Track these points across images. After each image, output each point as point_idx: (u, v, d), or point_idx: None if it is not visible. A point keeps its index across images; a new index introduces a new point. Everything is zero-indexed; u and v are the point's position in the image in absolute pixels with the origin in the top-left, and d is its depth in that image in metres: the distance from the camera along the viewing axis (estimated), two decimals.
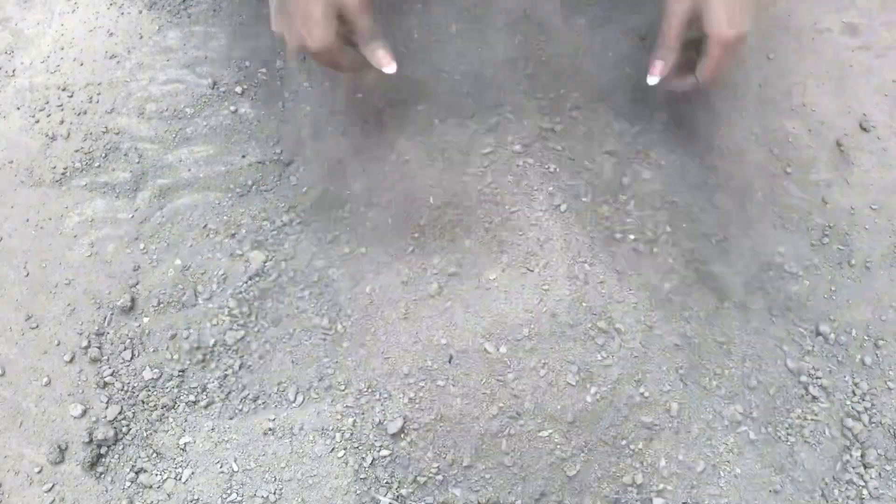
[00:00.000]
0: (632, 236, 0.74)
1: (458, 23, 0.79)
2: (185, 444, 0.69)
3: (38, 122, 0.82)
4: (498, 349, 0.69)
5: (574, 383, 0.67)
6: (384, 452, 0.68)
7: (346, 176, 0.78)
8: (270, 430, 0.69)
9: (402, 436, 0.69)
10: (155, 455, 0.68)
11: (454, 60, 0.79)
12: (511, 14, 0.80)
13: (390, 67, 0.67)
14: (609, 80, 0.79)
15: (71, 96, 0.83)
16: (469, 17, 0.80)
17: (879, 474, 0.68)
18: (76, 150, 0.80)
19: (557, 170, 0.74)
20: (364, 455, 0.69)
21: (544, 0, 0.80)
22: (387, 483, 0.68)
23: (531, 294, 0.69)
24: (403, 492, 0.68)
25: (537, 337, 0.68)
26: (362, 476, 0.68)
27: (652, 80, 0.69)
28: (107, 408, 0.69)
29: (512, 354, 0.68)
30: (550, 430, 0.67)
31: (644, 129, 0.77)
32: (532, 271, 0.70)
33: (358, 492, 0.67)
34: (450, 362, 0.69)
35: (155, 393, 0.70)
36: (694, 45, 0.67)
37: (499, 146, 0.76)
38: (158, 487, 0.67)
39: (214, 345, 0.72)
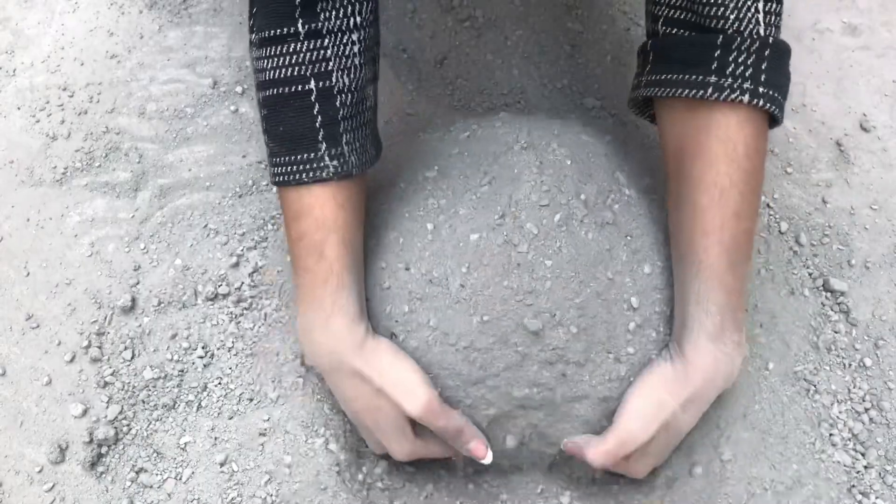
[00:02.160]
0: None
1: None
2: (185, 443, 0.69)
3: (38, 121, 0.82)
4: None
5: None
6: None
7: None
8: (270, 429, 0.69)
9: None
10: (155, 455, 0.68)
11: None
12: None
13: (487, 458, 0.62)
14: None
15: (71, 96, 0.83)
16: None
17: (880, 474, 0.68)
18: (77, 150, 0.80)
19: None
20: (362, 455, 0.69)
21: None
22: (386, 481, 0.68)
23: None
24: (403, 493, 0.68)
25: None
26: (360, 478, 0.68)
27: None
28: (107, 407, 0.69)
29: None
30: None
31: None
32: None
33: (356, 492, 0.67)
34: None
35: (155, 393, 0.70)
36: None
37: None
38: (159, 487, 0.67)
39: (214, 345, 0.72)
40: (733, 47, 0.58)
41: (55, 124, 0.81)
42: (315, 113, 0.58)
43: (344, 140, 0.59)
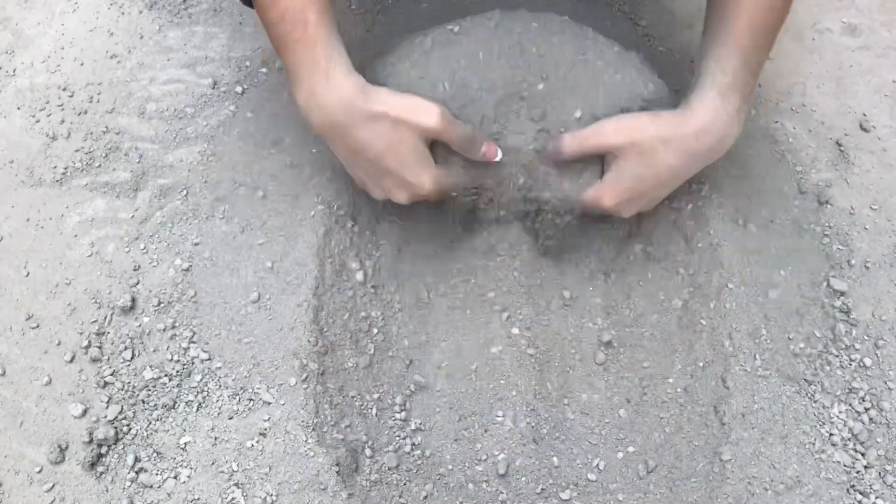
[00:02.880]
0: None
1: None
2: (185, 443, 0.69)
3: (38, 121, 0.82)
4: None
5: None
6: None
7: None
8: (269, 429, 0.69)
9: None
10: (155, 455, 0.68)
11: None
12: None
13: (498, 156, 0.68)
14: None
15: (71, 96, 0.83)
16: None
17: (880, 474, 0.68)
18: (77, 150, 0.80)
19: None
20: (360, 456, 0.69)
21: None
22: (385, 482, 0.69)
23: None
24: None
25: None
26: (360, 478, 0.68)
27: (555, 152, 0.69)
28: (107, 407, 0.69)
29: None
30: None
31: None
32: None
33: (356, 492, 0.67)
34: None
35: (155, 393, 0.70)
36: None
37: None
38: (159, 487, 0.67)
39: (214, 345, 0.72)
40: None
41: (55, 124, 0.81)
42: None
43: None
